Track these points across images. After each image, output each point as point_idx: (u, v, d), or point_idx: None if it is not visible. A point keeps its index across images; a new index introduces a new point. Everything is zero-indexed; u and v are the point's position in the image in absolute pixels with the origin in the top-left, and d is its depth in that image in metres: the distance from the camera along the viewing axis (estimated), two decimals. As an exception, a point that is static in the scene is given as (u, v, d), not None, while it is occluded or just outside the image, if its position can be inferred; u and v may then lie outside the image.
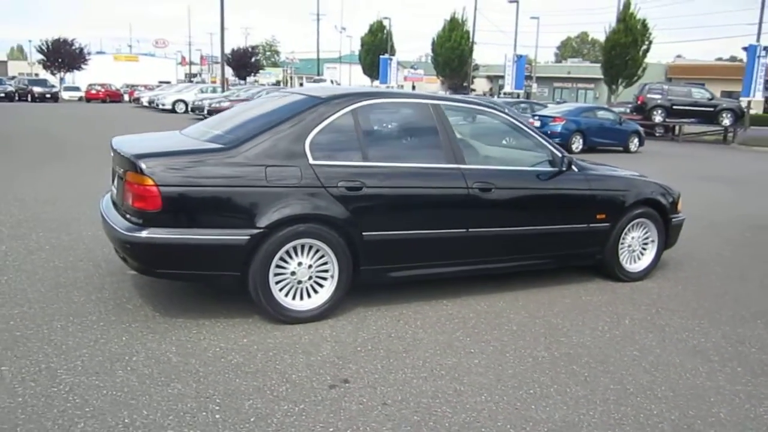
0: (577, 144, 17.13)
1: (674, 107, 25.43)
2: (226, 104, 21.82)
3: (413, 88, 50.30)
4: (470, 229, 4.42)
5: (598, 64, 64.36)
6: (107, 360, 3.36)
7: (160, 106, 31.48)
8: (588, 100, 53.92)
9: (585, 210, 4.95)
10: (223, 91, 30.73)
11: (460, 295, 4.65)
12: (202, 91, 29.67)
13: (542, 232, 4.76)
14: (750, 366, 3.72)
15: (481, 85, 70.82)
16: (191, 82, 50.54)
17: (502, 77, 69.80)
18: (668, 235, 5.43)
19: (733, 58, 66.66)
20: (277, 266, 3.90)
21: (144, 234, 3.63)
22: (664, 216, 5.34)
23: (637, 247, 5.29)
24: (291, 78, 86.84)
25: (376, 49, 50.95)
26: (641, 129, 19.10)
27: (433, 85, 64.91)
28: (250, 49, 61.47)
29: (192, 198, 3.72)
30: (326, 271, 4.05)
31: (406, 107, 4.59)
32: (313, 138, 4.00)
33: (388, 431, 2.83)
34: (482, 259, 4.60)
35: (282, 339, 3.76)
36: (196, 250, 3.73)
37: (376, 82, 50.14)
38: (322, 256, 4.02)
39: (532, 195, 4.72)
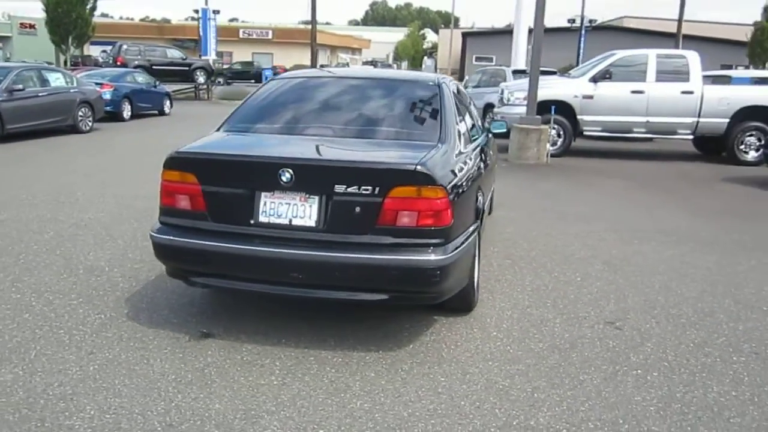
0: (127, 111, 15.88)
1: (153, 67, 25.65)
2: None
3: None
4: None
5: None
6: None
7: None
8: (-4, 58, 47.08)
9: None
10: None
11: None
12: None
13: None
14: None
15: None
16: None
17: None
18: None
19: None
20: None
21: (447, 255, 3.08)
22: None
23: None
24: None
25: None
26: (170, 91, 19.03)
27: None
28: None
29: (460, 202, 3.32)
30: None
31: None
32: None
33: (741, 367, 3.36)
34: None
35: (516, 337, 3.46)
36: (469, 257, 3.43)
37: None
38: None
39: (491, 158, 5.26)
